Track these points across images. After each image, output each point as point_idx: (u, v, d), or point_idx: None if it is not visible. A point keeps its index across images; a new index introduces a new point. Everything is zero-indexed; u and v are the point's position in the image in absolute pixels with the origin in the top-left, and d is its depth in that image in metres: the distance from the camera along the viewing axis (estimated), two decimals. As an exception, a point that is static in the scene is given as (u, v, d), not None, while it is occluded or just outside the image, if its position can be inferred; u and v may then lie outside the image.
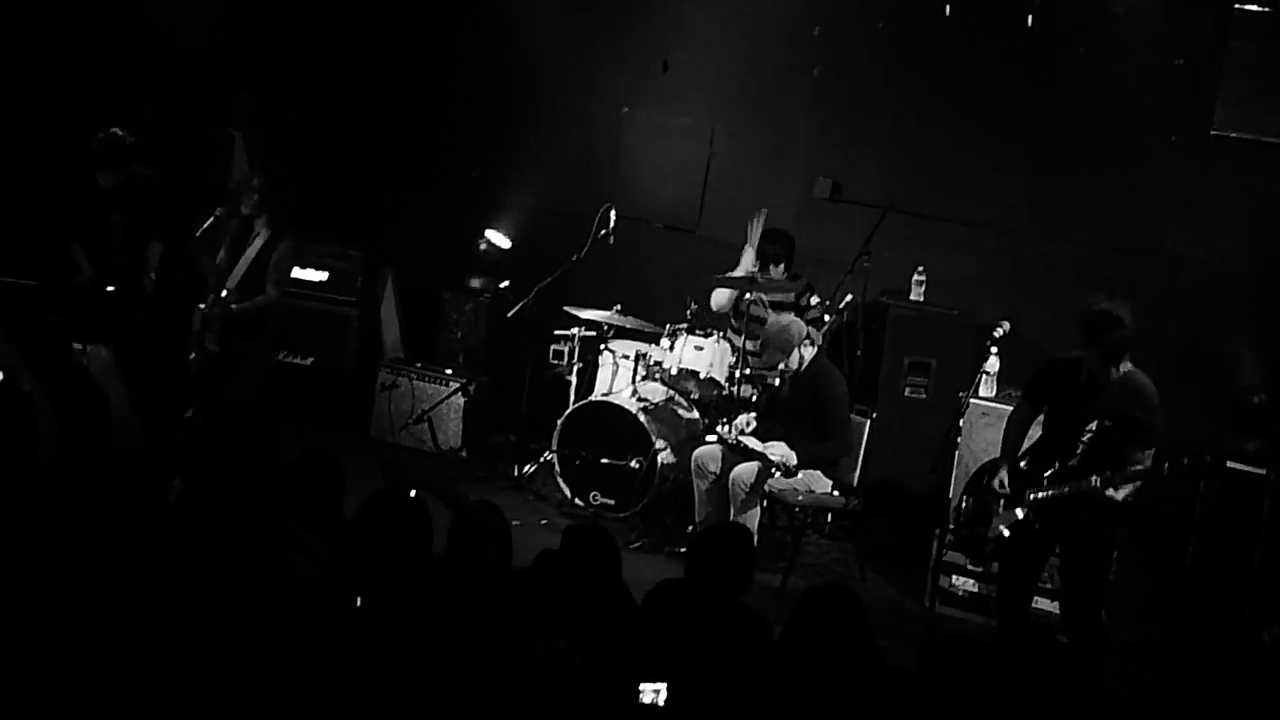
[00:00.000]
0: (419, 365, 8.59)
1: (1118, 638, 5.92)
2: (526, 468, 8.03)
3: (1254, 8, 7.20)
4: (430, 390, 8.42)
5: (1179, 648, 6.35)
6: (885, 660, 3.89)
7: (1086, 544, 5.42)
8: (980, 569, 6.58)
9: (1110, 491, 5.19)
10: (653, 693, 3.60)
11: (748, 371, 7.32)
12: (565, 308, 7.94)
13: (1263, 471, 6.52)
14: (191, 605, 3.37)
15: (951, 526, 5.85)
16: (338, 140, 9.19)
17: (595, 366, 8.05)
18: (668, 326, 7.65)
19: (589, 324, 8.00)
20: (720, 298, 7.74)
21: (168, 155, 8.46)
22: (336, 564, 3.90)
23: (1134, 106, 7.61)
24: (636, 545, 7.13)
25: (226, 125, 9.06)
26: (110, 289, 7.23)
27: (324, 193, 8.93)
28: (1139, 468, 5.17)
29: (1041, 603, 6.19)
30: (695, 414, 7.72)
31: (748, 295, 7.41)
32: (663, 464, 7.37)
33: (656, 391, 7.66)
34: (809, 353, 6.89)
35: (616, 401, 7.54)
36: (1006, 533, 5.47)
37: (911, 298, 7.83)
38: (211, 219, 6.97)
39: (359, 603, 3.69)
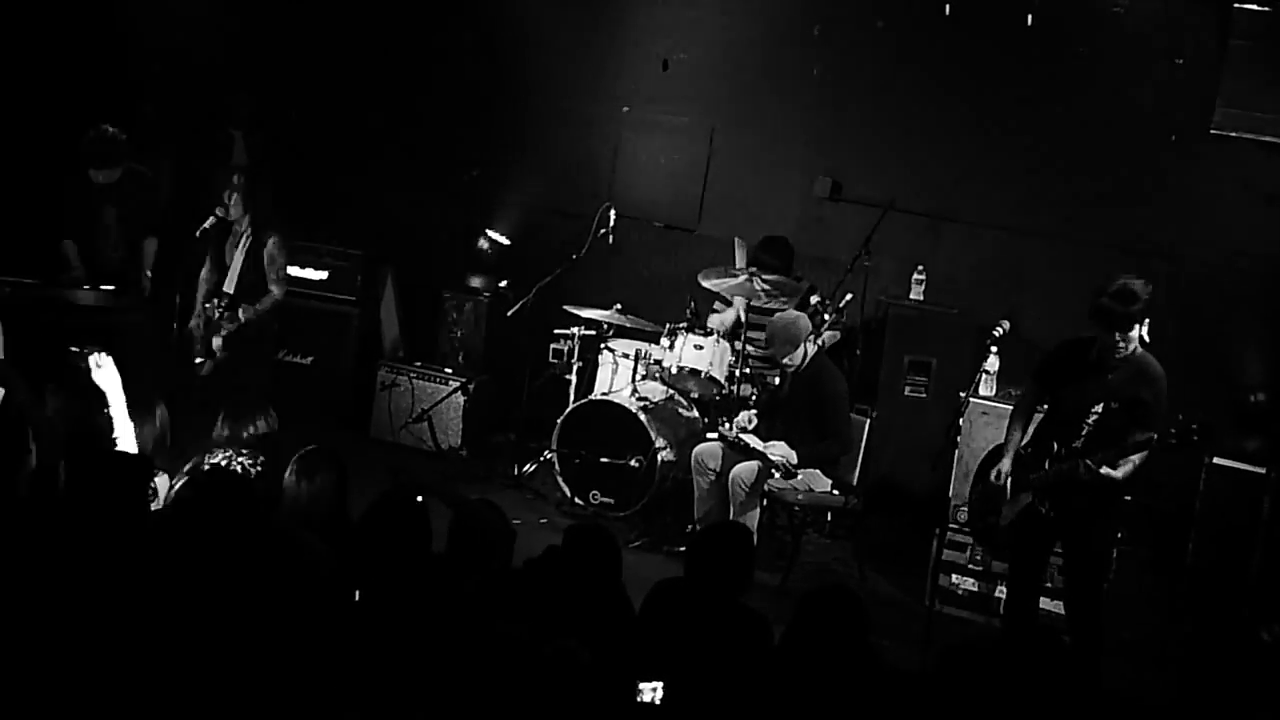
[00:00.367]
0: (419, 364, 8.58)
1: (1118, 638, 5.91)
2: (526, 467, 8.03)
3: (1253, 7, 7.19)
4: (430, 389, 8.42)
5: (1179, 647, 6.35)
6: (885, 660, 3.89)
7: (1089, 528, 5.39)
8: (980, 568, 6.59)
9: (1107, 470, 5.16)
10: (650, 691, 3.60)
11: (748, 370, 7.33)
12: (565, 307, 7.93)
13: (1263, 471, 6.53)
14: (193, 606, 3.38)
15: (964, 520, 5.82)
16: (338, 140, 9.20)
17: (595, 365, 8.05)
18: (667, 325, 7.64)
19: (589, 323, 7.99)
20: (717, 320, 7.75)
21: (168, 155, 8.48)
22: (338, 563, 3.90)
23: (1134, 106, 7.62)
24: (636, 544, 7.12)
25: (226, 125, 9.07)
26: (107, 287, 7.21)
27: (324, 193, 8.95)
28: (1138, 440, 5.11)
29: (1043, 603, 6.18)
30: (695, 413, 7.72)
31: (749, 300, 7.40)
32: (662, 463, 7.37)
33: (656, 390, 7.66)
34: (813, 348, 6.90)
35: (616, 400, 7.53)
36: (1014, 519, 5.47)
37: (911, 297, 7.84)
38: (211, 219, 6.99)
39: (357, 597, 3.70)
